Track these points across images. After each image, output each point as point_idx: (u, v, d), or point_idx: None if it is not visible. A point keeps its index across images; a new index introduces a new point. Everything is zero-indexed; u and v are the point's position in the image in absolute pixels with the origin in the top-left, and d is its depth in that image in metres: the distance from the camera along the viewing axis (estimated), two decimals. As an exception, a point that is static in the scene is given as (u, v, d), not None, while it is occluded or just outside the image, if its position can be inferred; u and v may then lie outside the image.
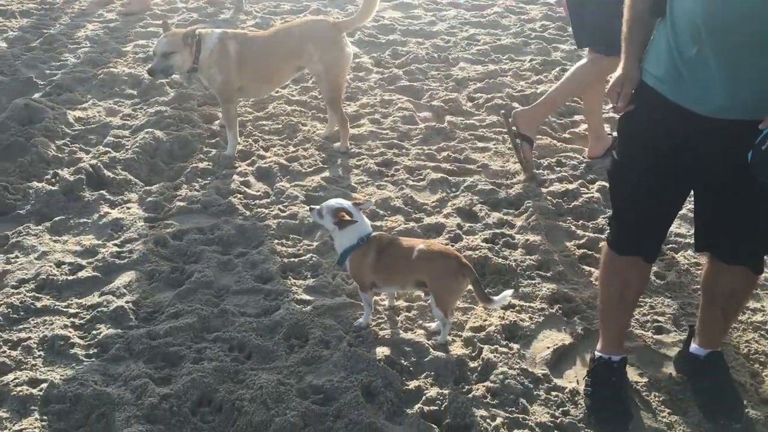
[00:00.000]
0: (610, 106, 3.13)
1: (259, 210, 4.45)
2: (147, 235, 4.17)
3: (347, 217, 3.26)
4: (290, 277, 3.85)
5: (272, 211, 4.46)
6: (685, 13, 2.39)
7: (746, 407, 2.95)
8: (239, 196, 4.66)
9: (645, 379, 3.14)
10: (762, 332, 3.43)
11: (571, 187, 4.77)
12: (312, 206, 3.44)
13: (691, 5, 2.37)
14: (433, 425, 2.85)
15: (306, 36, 5.06)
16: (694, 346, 3.09)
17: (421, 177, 4.98)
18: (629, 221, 2.78)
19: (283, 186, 4.78)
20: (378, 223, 4.33)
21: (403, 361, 3.20)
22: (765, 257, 2.86)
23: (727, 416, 2.87)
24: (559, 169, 5.09)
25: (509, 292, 3.32)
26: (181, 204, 4.52)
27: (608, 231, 2.92)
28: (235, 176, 4.90)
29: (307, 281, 3.80)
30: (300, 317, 3.46)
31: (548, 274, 3.90)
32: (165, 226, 4.28)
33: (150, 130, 5.37)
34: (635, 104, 2.62)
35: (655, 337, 3.43)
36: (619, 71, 2.67)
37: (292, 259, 3.98)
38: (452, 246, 4.01)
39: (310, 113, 6.03)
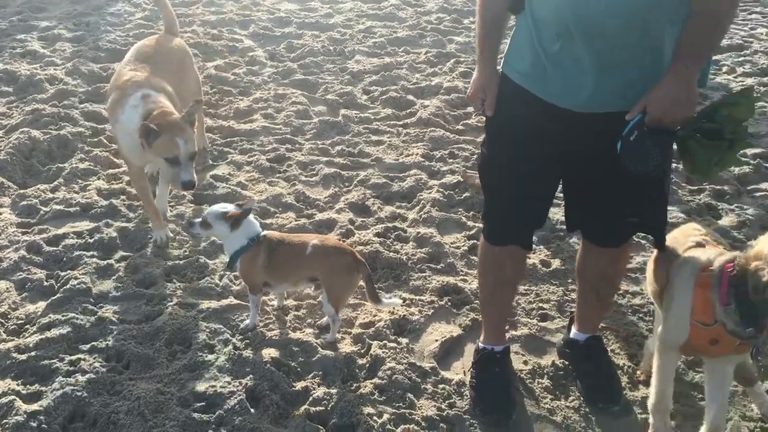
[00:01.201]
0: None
1: (143, 211, 4.27)
2: (19, 242, 3.92)
3: (237, 212, 3.17)
4: (175, 280, 3.70)
5: (157, 211, 4.29)
6: (549, 9, 2.41)
7: (624, 389, 3.05)
8: (122, 197, 4.46)
9: (529, 367, 3.19)
10: (640, 315, 3.55)
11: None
12: (191, 221, 3.27)
13: (556, 0, 2.40)
14: (319, 426, 2.80)
15: None
16: (574, 332, 3.17)
17: (314, 172, 4.92)
18: (502, 213, 2.80)
19: (169, 185, 4.61)
20: (269, 221, 4.24)
21: (290, 362, 3.14)
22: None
23: (606, 399, 2.96)
24: (451, 160, 5.13)
25: (398, 301, 3.39)
26: (58, 207, 4.28)
27: (483, 223, 2.94)
28: (119, 176, 4.69)
29: (193, 284, 3.67)
30: (183, 322, 3.33)
31: (439, 267, 3.92)
32: (39, 231, 4.04)
33: (26, 129, 5.05)
34: (500, 98, 2.64)
35: (540, 324, 3.50)
36: (478, 77, 2.67)
37: (177, 262, 3.84)
38: (344, 242, 3.97)
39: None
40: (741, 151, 2.48)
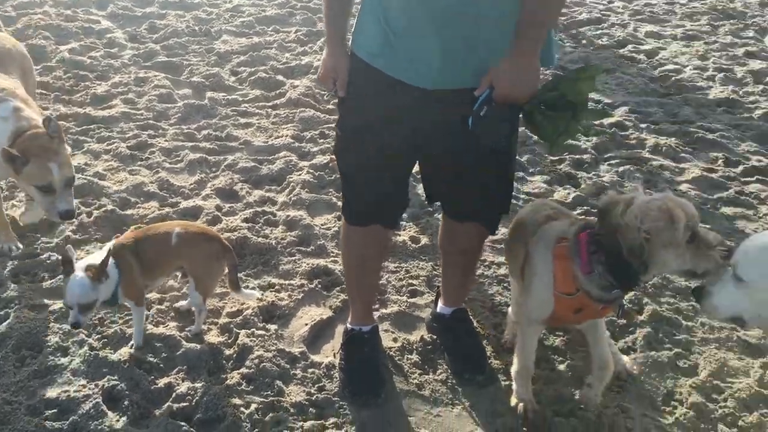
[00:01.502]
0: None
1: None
2: None
3: (101, 270, 2.80)
4: (23, 281, 3.46)
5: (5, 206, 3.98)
6: None
7: (490, 358, 3.13)
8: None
9: (399, 344, 3.21)
10: (505, 284, 3.65)
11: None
12: (77, 320, 2.74)
13: None
14: (183, 423, 2.69)
15: None
16: (440, 306, 3.22)
17: (179, 158, 4.73)
18: (359, 193, 2.78)
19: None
20: (129, 212, 4.04)
21: (152, 359, 3.01)
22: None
23: (472, 369, 3.02)
24: (322, 141, 5.07)
25: (256, 293, 3.36)
26: None
27: (342, 204, 2.91)
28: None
29: (44, 283, 3.44)
30: (33, 325, 3.12)
31: (309, 249, 3.86)
32: None
33: None
34: (351, 77, 2.60)
35: (410, 300, 3.53)
36: (327, 57, 2.61)
37: (26, 261, 3.58)
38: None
39: (52, 95, 5.47)
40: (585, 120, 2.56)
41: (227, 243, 3.15)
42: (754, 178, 4.79)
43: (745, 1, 9.12)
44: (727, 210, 4.38)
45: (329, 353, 3.17)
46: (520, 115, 2.52)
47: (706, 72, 6.65)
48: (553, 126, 2.48)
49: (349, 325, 3.11)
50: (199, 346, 3.08)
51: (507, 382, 2.98)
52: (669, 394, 2.99)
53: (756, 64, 6.81)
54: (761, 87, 6.30)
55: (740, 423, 2.84)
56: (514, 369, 2.86)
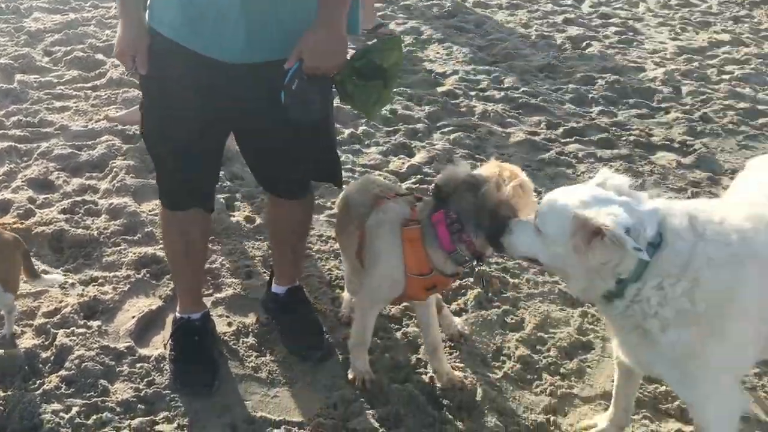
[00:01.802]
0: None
1: None
2: None
3: None
4: None
5: None
6: None
7: (327, 333, 3.12)
8: None
9: (234, 328, 3.12)
10: (341, 258, 3.64)
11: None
12: None
13: None
14: (-8, 438, 2.48)
15: None
16: (274, 285, 3.16)
17: (-16, 149, 4.32)
18: (174, 177, 2.64)
19: None
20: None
21: (-44, 371, 2.73)
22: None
23: (309, 346, 2.99)
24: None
25: (59, 278, 3.16)
26: None
27: (158, 190, 2.76)
28: None
29: None
30: None
31: (135, 238, 3.66)
32: None
33: None
34: (152, 54, 2.45)
35: (246, 282, 3.44)
36: (123, 33, 2.43)
37: None
38: (22, 223, 3.54)
39: None
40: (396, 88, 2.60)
41: (11, 232, 2.93)
42: (573, 139, 5.09)
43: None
44: (549, 170, 4.62)
45: (159, 345, 3.02)
46: (333, 87, 2.50)
47: (530, 39, 6.97)
48: (366, 95, 2.48)
49: (177, 314, 2.97)
50: (10, 351, 2.84)
51: (345, 355, 2.98)
52: (498, 350, 3.12)
53: (574, 30, 7.22)
54: (578, 52, 6.69)
55: (562, 370, 3.02)
56: (351, 343, 2.86)
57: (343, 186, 3.02)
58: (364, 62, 2.45)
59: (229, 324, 3.16)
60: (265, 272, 3.50)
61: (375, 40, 2.51)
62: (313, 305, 3.26)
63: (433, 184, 2.62)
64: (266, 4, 2.30)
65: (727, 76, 6.24)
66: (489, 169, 2.50)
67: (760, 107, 5.64)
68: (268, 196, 2.93)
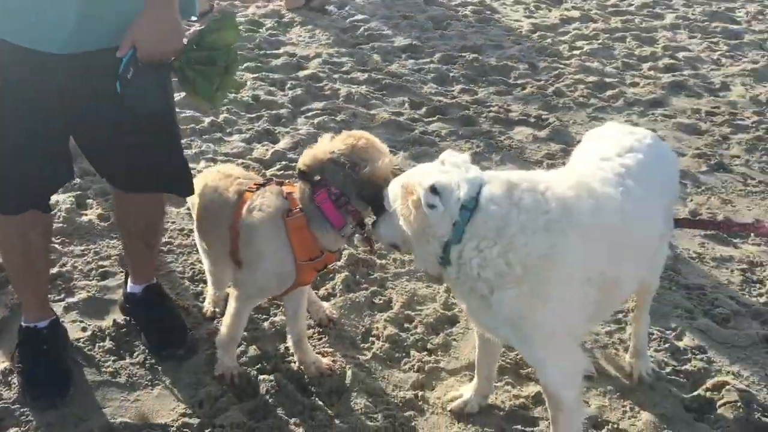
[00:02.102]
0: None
1: None
2: None
3: None
4: None
5: None
6: None
7: (191, 329, 3.02)
8: None
9: (88, 333, 2.97)
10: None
11: None
12: None
13: None
14: None
15: None
16: (130, 284, 3.02)
17: None
18: (6, 179, 2.45)
19: None
20: None
21: None
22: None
23: (170, 344, 2.89)
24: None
25: None
26: None
27: None
28: None
29: None
30: None
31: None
32: None
33: None
34: None
35: (101, 284, 3.28)
36: None
37: None
38: None
39: None
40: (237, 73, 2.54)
41: None
42: (435, 118, 5.19)
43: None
44: (414, 150, 4.69)
45: (5, 357, 2.82)
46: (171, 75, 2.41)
47: (391, 20, 7.03)
48: (208, 81, 2.40)
49: (23, 323, 2.78)
50: None
51: (209, 351, 2.91)
52: (367, 331, 3.14)
53: (434, 11, 7.34)
54: (439, 32, 6.81)
55: (429, 346, 3.08)
56: (220, 338, 2.78)
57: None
58: (202, 46, 2.37)
59: (84, 329, 2.99)
60: (122, 272, 3.34)
61: (209, 22, 2.42)
62: (175, 302, 3.15)
63: (297, 169, 2.58)
64: None
65: (577, 52, 6.56)
66: (345, 140, 2.50)
67: (607, 80, 5.98)
68: (114, 190, 2.79)
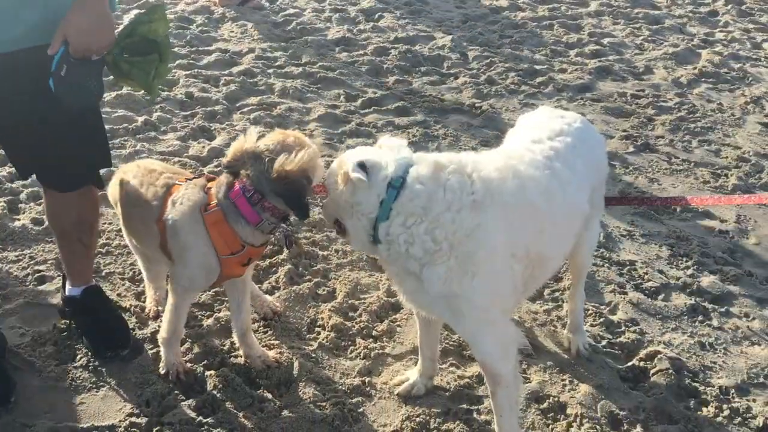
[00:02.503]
0: None
1: None
2: None
3: None
4: None
5: None
6: None
7: (134, 329, 3.00)
8: None
9: (28, 338, 2.91)
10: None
11: None
12: None
13: None
14: None
15: None
16: (69, 288, 2.97)
17: None
18: None
19: None
20: None
21: None
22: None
23: (114, 346, 2.86)
24: None
25: None
26: None
27: None
28: None
29: None
30: None
31: None
32: None
33: None
34: None
35: (38, 288, 3.22)
36: None
37: None
38: None
39: None
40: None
41: None
42: (371, 109, 5.24)
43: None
44: (351, 141, 4.73)
45: (-59, 369, 2.75)
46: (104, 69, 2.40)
47: (323, 14, 7.03)
48: (144, 72, 2.41)
49: (-43, 333, 2.72)
50: None
51: (154, 349, 2.89)
52: (312, 322, 3.18)
53: (366, 3, 7.38)
54: (371, 24, 6.86)
55: (374, 333, 3.13)
56: (162, 336, 2.77)
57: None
58: (134, 38, 2.37)
59: (23, 334, 2.94)
60: (58, 276, 3.28)
61: (138, 13, 2.42)
62: (116, 303, 3.12)
63: (222, 163, 2.58)
64: None
65: (507, 40, 6.70)
66: (274, 137, 2.50)
67: (537, 67, 6.13)
68: (44, 189, 2.75)
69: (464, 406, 2.77)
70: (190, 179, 2.67)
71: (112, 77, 2.49)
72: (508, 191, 2.23)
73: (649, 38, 7.03)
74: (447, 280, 2.18)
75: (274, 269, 3.47)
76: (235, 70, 5.62)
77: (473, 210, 2.17)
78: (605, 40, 6.87)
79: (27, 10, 2.21)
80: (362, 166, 2.19)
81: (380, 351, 3.03)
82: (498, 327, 2.34)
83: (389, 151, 2.30)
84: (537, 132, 2.60)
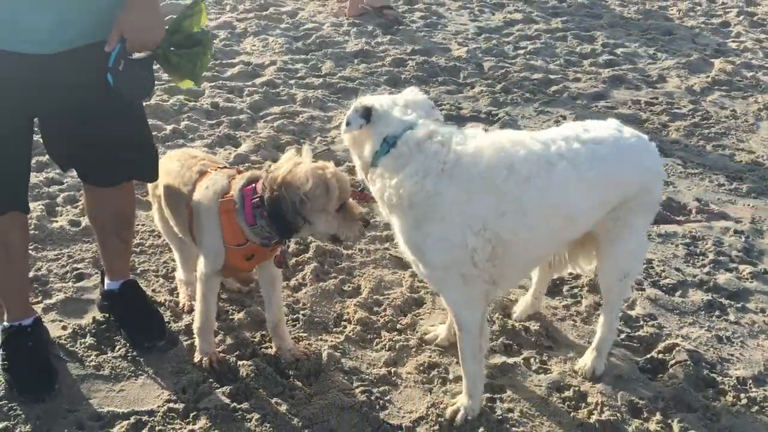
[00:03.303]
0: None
1: None
2: None
3: None
4: None
5: None
6: None
7: (169, 323, 3.13)
8: None
9: (69, 331, 3.04)
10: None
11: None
12: None
13: None
14: None
15: None
16: (107, 282, 3.11)
17: None
18: None
19: None
20: None
21: None
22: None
23: (150, 337, 2.99)
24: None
25: None
26: None
27: None
28: None
29: None
30: None
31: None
32: None
33: None
34: None
35: (77, 285, 3.35)
36: None
37: None
38: None
39: None
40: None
41: None
42: (391, 118, 5.36)
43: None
44: (372, 148, 4.85)
45: (-11, 357, 2.88)
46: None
47: (342, 27, 7.21)
48: (191, 63, 2.59)
49: (6, 323, 2.85)
50: None
51: (189, 341, 3.01)
52: (339, 317, 3.29)
53: (383, 18, 7.55)
54: (389, 37, 7.02)
55: (398, 326, 3.24)
56: (196, 326, 2.89)
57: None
58: (180, 32, 2.55)
59: (64, 327, 3.07)
60: (96, 273, 3.42)
61: (182, 9, 2.60)
62: (152, 298, 3.24)
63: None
64: None
65: (522, 51, 6.84)
66: (315, 171, 2.54)
67: (551, 77, 6.26)
68: (84, 186, 2.90)
69: (487, 394, 2.85)
70: (221, 167, 2.82)
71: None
72: (475, 167, 2.41)
73: (662, 48, 7.15)
74: (405, 233, 2.50)
75: (300, 267, 3.59)
76: (258, 81, 5.78)
77: (438, 178, 2.40)
78: (618, 51, 6.99)
79: (77, 14, 2.36)
80: (367, 111, 2.50)
81: (405, 343, 3.13)
82: (459, 287, 2.54)
83: (403, 108, 2.55)
84: (575, 133, 2.61)
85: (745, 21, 8.10)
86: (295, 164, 2.55)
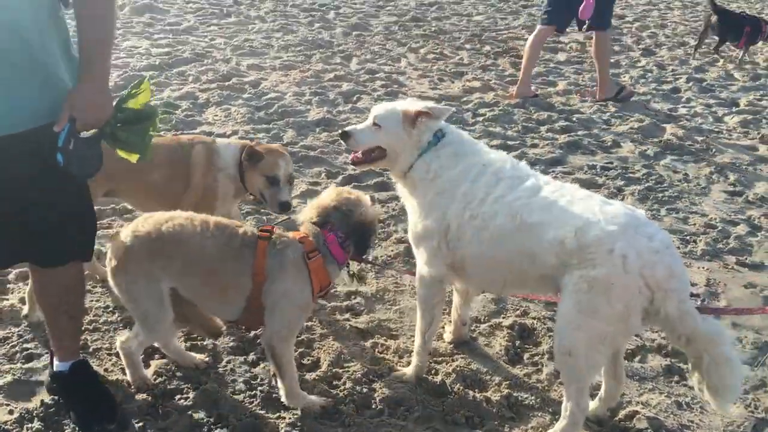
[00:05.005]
0: None
1: None
2: None
3: None
4: None
5: None
6: None
7: (120, 404, 3.03)
8: None
9: (15, 416, 2.92)
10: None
11: None
12: None
13: None
14: None
15: None
16: (57, 363, 3.02)
17: None
18: None
19: None
20: None
21: None
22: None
23: (100, 420, 2.88)
24: None
25: None
26: None
27: None
28: None
29: None
30: None
31: None
32: None
33: None
34: None
35: (26, 366, 3.25)
36: None
37: None
38: None
39: None
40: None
41: None
42: (351, 185, 5.40)
43: (330, 32, 10.24)
44: (333, 217, 4.86)
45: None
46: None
47: (304, 97, 7.31)
48: (140, 138, 2.62)
49: (-53, 410, 2.74)
50: None
51: (141, 423, 2.92)
52: (296, 392, 3.22)
53: (344, 86, 7.69)
54: (350, 106, 7.14)
55: (357, 400, 3.19)
56: (286, 386, 3.00)
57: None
58: (125, 110, 2.58)
59: (11, 412, 2.96)
60: (46, 353, 3.32)
61: (129, 89, 2.64)
62: (104, 378, 3.15)
63: (310, 216, 3.01)
64: (7, 77, 2.32)
65: (480, 118, 7.00)
66: (339, 193, 3.08)
67: (509, 143, 6.40)
68: (29, 266, 2.85)
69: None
70: (267, 230, 2.95)
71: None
72: (444, 172, 3.08)
73: (616, 114, 7.37)
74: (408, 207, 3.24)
75: (258, 342, 3.53)
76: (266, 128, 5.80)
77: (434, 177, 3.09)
78: (574, 117, 7.18)
79: (24, 94, 2.37)
80: (427, 112, 3.10)
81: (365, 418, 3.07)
82: (426, 257, 3.12)
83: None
84: (588, 198, 2.90)
85: (694, 87, 8.42)
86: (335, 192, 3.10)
